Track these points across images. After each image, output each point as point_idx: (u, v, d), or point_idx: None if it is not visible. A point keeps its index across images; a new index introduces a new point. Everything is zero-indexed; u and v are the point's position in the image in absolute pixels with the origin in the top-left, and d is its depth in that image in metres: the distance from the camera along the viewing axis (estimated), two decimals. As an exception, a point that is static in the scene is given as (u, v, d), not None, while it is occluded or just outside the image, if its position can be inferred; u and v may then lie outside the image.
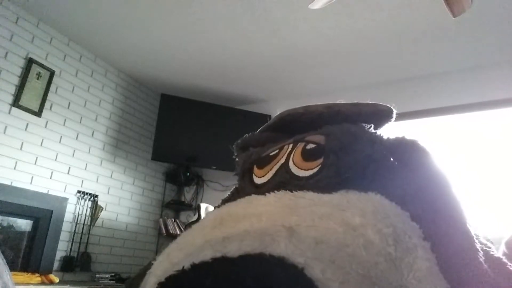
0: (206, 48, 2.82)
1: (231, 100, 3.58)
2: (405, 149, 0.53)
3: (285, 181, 0.53)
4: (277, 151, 0.60)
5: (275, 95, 3.48)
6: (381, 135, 0.57)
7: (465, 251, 0.44)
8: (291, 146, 0.58)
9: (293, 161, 0.55)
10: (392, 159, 0.53)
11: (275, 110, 0.75)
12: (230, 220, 0.42)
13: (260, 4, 2.28)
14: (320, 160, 0.52)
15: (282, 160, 0.57)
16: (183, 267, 0.34)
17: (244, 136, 0.74)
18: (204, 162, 3.41)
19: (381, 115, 0.61)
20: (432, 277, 0.38)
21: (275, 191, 0.49)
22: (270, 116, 3.33)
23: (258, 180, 0.60)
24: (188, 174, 3.54)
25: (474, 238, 0.46)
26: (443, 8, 1.68)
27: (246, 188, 0.60)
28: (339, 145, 0.52)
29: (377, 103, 0.62)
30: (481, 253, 0.45)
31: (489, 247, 0.50)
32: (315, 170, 0.51)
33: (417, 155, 0.52)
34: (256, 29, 2.54)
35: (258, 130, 0.76)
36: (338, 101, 0.64)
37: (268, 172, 0.58)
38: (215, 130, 3.38)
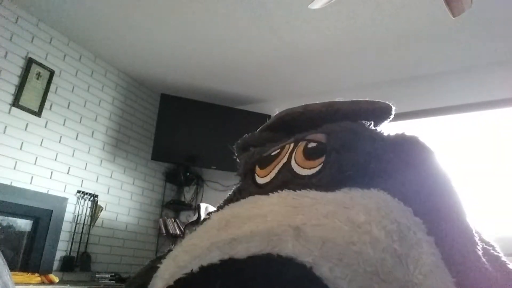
0: (206, 48, 2.82)
1: (231, 100, 3.58)
2: (405, 146, 0.53)
3: (287, 181, 0.54)
4: (278, 150, 0.61)
5: (275, 95, 3.48)
6: (381, 132, 0.58)
7: (466, 246, 0.44)
8: (292, 145, 0.59)
9: (295, 160, 0.55)
10: (393, 156, 0.54)
11: (275, 110, 0.76)
12: (236, 222, 0.42)
13: (260, 4, 2.28)
14: (322, 159, 0.52)
15: (284, 160, 0.57)
16: (191, 270, 0.34)
17: (244, 136, 0.74)
18: (204, 162, 3.41)
19: (380, 112, 0.62)
20: (437, 271, 0.38)
21: (278, 191, 0.49)
22: (270, 116, 3.32)
23: (260, 180, 0.60)
24: (188, 174, 3.55)
25: (475, 234, 0.47)
26: (443, 8, 1.68)
27: (248, 188, 0.61)
28: (340, 142, 0.52)
29: (376, 100, 0.63)
30: (480, 248, 0.46)
31: (492, 246, 0.51)
32: (317, 168, 0.52)
33: (417, 151, 0.53)
34: (256, 29, 2.54)
35: (258, 130, 0.76)
36: (336, 100, 0.64)
37: (270, 172, 0.58)
38: (215, 130, 3.38)
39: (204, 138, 3.39)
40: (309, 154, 0.54)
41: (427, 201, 0.46)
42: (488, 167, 2.54)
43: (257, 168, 0.61)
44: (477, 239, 0.47)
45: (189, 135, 3.38)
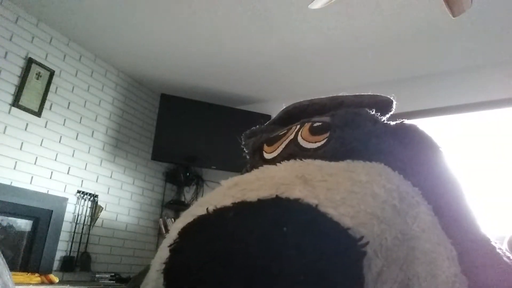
0: (206, 48, 2.82)
1: (231, 100, 3.58)
2: (405, 132, 0.56)
3: (294, 153, 0.56)
4: (285, 131, 0.63)
5: (275, 95, 3.48)
6: (383, 119, 0.60)
7: (464, 217, 0.46)
8: (298, 126, 0.61)
9: (301, 136, 0.58)
10: (392, 138, 0.56)
11: (275, 110, 0.77)
12: (245, 183, 0.44)
13: (260, 4, 2.28)
14: (327, 134, 0.55)
15: (291, 137, 0.60)
16: (206, 208, 0.36)
17: (252, 128, 0.76)
18: (204, 162, 3.41)
19: (382, 105, 0.64)
20: (435, 229, 0.40)
21: (285, 161, 0.52)
22: (270, 116, 3.33)
23: (268, 156, 0.62)
24: (188, 174, 3.55)
25: (472, 209, 0.48)
26: (443, 8, 1.68)
27: (256, 164, 0.63)
28: (344, 121, 0.56)
29: (378, 94, 0.65)
30: (478, 221, 0.47)
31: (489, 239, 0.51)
32: (322, 142, 0.55)
33: (416, 137, 0.55)
34: (256, 29, 2.54)
35: (265, 124, 0.78)
36: (340, 94, 0.66)
37: (277, 148, 0.61)
38: (215, 130, 3.38)
39: (204, 138, 3.39)
40: (315, 131, 0.57)
41: (426, 177, 0.48)
42: (488, 167, 2.54)
43: (265, 146, 0.64)
44: (476, 220, 0.48)
45: (189, 135, 3.38)
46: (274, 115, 0.77)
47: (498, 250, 0.46)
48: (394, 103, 0.64)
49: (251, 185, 0.41)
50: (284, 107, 0.75)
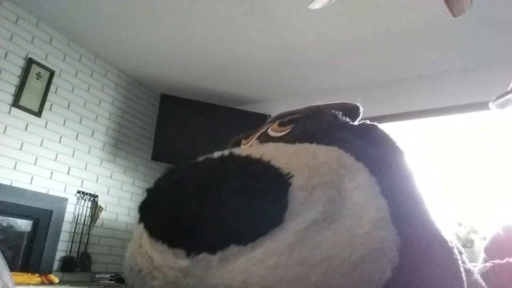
0: (206, 48, 2.82)
1: (231, 100, 3.58)
2: (365, 129, 0.61)
3: (262, 141, 0.66)
4: (259, 129, 0.73)
5: (275, 95, 3.48)
6: (345, 118, 0.65)
7: (414, 200, 0.48)
8: (272, 122, 0.71)
9: (271, 129, 0.68)
10: (351, 132, 0.61)
11: (275, 110, 0.82)
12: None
13: (260, 4, 2.28)
14: (291, 125, 0.64)
15: (263, 130, 0.70)
16: (176, 164, 0.47)
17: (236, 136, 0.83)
18: (204, 162, 3.41)
19: (349, 111, 0.69)
20: (370, 190, 0.43)
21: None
22: (270, 116, 3.33)
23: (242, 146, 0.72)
24: (188, 174, 3.54)
25: (428, 207, 0.50)
26: (443, 8, 1.68)
27: None
28: (308, 114, 0.65)
29: (346, 102, 0.71)
30: (431, 212, 0.49)
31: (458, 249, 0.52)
32: (286, 131, 0.64)
33: (376, 134, 0.60)
34: (256, 29, 2.54)
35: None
36: (316, 103, 0.74)
37: (251, 140, 0.71)
38: (215, 130, 3.38)
39: (204, 138, 3.39)
40: (282, 124, 0.67)
41: (379, 161, 0.51)
42: (487, 167, 2.54)
43: (242, 140, 0.74)
44: (430, 218, 0.49)
45: (189, 135, 3.38)
46: (274, 115, 0.80)
47: (449, 244, 0.47)
48: (361, 109, 0.70)
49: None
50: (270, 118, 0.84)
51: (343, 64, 2.91)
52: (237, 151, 0.45)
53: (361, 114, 0.70)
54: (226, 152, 0.45)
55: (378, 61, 2.82)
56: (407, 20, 2.33)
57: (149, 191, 0.43)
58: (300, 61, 2.91)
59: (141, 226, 0.41)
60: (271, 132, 0.66)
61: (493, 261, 0.80)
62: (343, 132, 0.59)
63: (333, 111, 0.64)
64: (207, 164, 0.44)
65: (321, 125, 0.60)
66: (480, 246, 2.01)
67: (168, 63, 3.09)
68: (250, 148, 0.57)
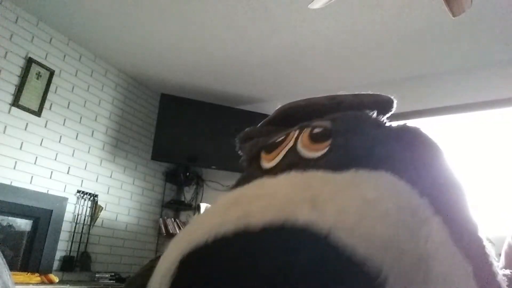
0: (206, 48, 2.82)
1: (231, 100, 3.58)
2: (408, 135, 0.54)
3: (294, 163, 0.53)
4: (283, 137, 0.60)
5: (275, 95, 3.48)
6: (385, 121, 0.58)
7: (469, 227, 0.45)
8: (297, 131, 0.58)
9: (301, 144, 0.55)
10: (396, 143, 0.53)
11: (277, 104, 0.76)
12: (245, 200, 0.41)
13: (260, 4, 2.28)
14: (329, 142, 0.52)
15: (290, 144, 0.57)
16: (203, 243, 0.32)
17: (246, 129, 0.74)
18: (204, 162, 3.41)
19: (382, 105, 0.62)
20: (448, 246, 0.38)
21: (286, 173, 0.47)
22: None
23: (266, 165, 0.59)
24: (188, 174, 3.55)
25: (474, 216, 0.48)
26: (443, 8, 1.68)
27: (254, 173, 0.60)
28: (346, 127, 0.53)
29: (378, 93, 0.63)
30: (481, 230, 0.47)
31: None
32: (324, 151, 0.52)
33: (419, 140, 0.53)
34: (256, 29, 2.54)
35: (259, 124, 0.76)
36: (339, 93, 0.65)
37: (276, 156, 0.58)
38: (215, 130, 3.38)
39: (204, 138, 3.39)
40: (315, 138, 0.54)
41: (432, 188, 0.46)
42: (488, 167, 2.54)
43: (263, 154, 0.61)
44: (482, 236, 0.48)
45: (189, 135, 3.38)
46: (275, 109, 0.76)
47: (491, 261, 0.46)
48: (395, 102, 0.64)
49: (252, 204, 0.39)
50: (279, 106, 0.73)
51: (343, 64, 2.91)
52: (289, 215, 0.33)
53: (394, 108, 0.63)
54: (278, 235, 0.32)
55: (378, 61, 2.82)
56: (407, 20, 2.33)
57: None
58: (300, 61, 2.91)
59: None
60: (304, 151, 0.54)
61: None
62: (388, 144, 0.51)
63: (370, 113, 0.56)
64: (257, 258, 0.31)
65: (365, 142, 0.51)
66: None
67: (168, 63, 3.09)
68: (287, 181, 0.44)
